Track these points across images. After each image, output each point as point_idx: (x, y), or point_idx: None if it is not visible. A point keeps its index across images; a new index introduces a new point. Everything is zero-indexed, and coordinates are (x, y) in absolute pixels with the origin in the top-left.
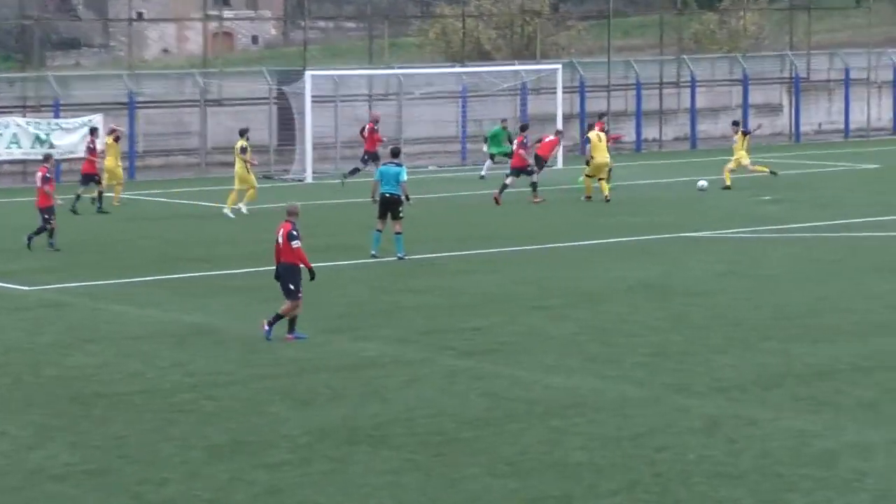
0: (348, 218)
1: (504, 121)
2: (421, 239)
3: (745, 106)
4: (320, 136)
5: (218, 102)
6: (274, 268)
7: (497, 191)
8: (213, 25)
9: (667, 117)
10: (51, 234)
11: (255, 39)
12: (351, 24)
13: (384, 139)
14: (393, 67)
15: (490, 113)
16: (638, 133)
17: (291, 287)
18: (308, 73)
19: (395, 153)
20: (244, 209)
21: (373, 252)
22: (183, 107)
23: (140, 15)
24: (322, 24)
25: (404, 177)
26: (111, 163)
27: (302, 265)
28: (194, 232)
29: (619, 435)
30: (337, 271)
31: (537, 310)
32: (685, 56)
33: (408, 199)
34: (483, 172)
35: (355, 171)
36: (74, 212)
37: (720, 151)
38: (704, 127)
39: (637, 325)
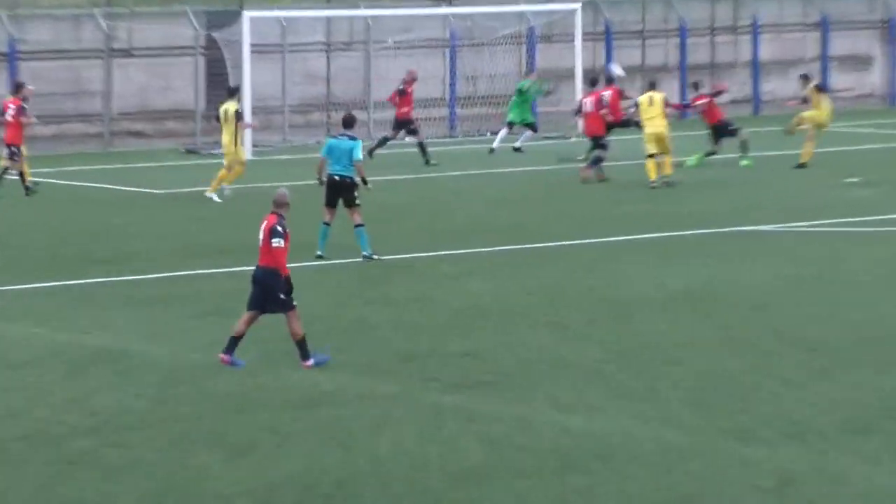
0: (301, 206)
1: (531, 73)
2: (396, 234)
3: (823, 58)
4: (263, 97)
5: (127, 53)
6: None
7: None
8: None
9: (720, 73)
10: None
11: None
12: None
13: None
14: (358, 6)
15: (487, 68)
16: (682, 93)
17: (282, 296)
18: (246, 14)
19: (349, 122)
20: (227, 191)
21: (318, 252)
22: (81, 58)
23: None
24: None
25: (358, 154)
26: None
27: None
28: (97, 224)
29: (660, 496)
30: None
31: (549, 328)
32: None
33: (365, 182)
34: (519, 143)
35: (384, 141)
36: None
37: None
38: (771, 86)
39: (680, 348)
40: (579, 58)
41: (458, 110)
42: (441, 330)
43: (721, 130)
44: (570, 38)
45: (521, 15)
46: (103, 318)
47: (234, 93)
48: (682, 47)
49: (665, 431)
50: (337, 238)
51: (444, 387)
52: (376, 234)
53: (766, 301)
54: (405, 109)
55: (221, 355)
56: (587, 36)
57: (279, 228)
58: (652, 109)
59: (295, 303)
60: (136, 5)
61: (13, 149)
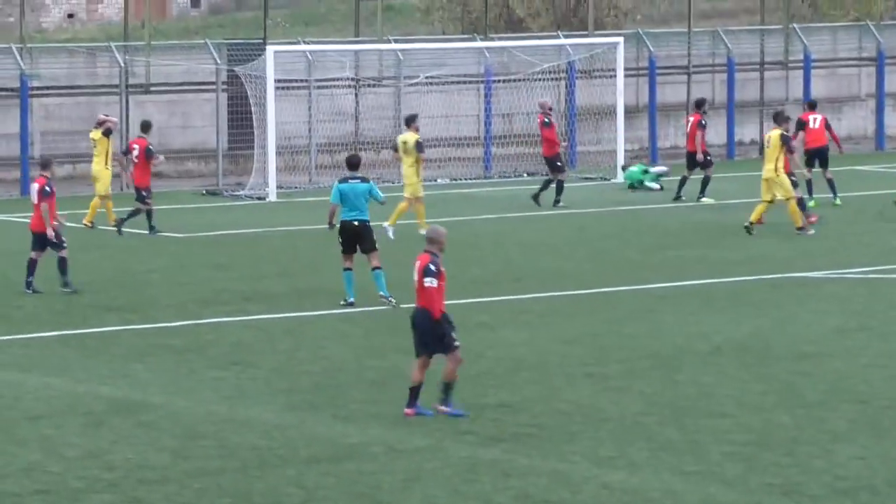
0: (327, 251)
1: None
2: None
3: (880, 95)
4: (288, 135)
5: (145, 89)
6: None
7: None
8: None
9: (770, 110)
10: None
11: (195, 1)
12: None
13: (561, 142)
14: (389, 40)
15: (524, 105)
16: (730, 132)
17: (444, 339)
18: (270, 48)
19: (356, 164)
20: (390, 232)
21: (349, 300)
22: (96, 94)
23: None
24: None
25: (379, 194)
26: (99, 166)
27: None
28: (115, 270)
29: None
30: (311, 324)
31: (588, 379)
32: (796, 25)
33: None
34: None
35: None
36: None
37: (847, 158)
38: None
39: (726, 400)
40: (621, 95)
41: (494, 150)
42: (475, 380)
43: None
44: (611, 74)
45: (560, 49)
46: (122, 368)
47: (410, 121)
48: (730, 83)
49: (709, 487)
50: (365, 286)
51: (479, 440)
52: (405, 280)
53: (816, 351)
54: (550, 145)
55: (406, 410)
56: (630, 71)
57: (432, 268)
58: (768, 151)
59: (458, 344)
60: (154, 39)
61: (143, 192)
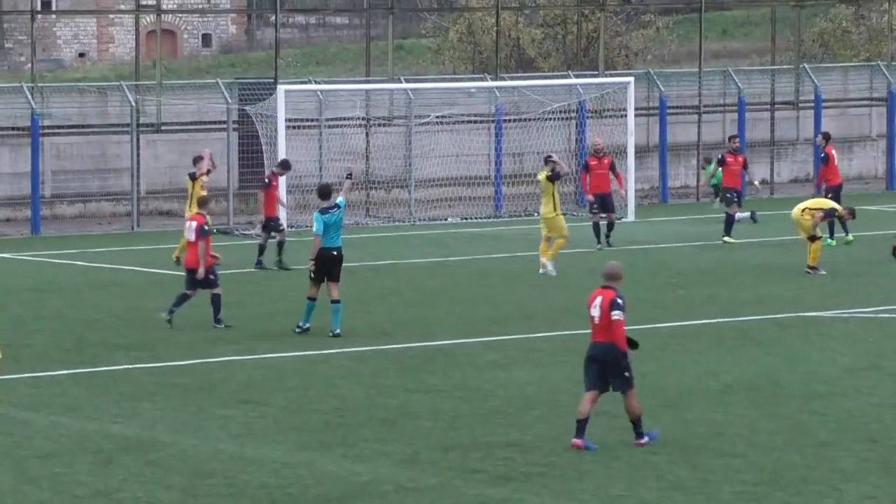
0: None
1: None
2: (438, 319)
3: (890, 135)
4: (299, 174)
5: (156, 128)
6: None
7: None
8: (147, 20)
9: (781, 150)
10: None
11: (206, 40)
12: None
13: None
14: (399, 80)
15: (535, 144)
16: (742, 173)
17: (626, 375)
18: (281, 88)
19: (327, 193)
20: (549, 266)
21: (304, 326)
22: (107, 133)
23: (47, 6)
24: (301, 19)
25: (342, 202)
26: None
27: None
28: (124, 309)
29: None
30: (321, 363)
31: (597, 418)
32: (806, 65)
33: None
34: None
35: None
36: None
37: (857, 197)
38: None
39: (736, 439)
40: (632, 134)
41: (504, 189)
42: (485, 420)
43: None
44: (622, 114)
45: (570, 88)
46: (132, 406)
47: (547, 160)
48: (741, 123)
49: None
50: (374, 325)
51: (489, 478)
52: (416, 318)
53: (826, 391)
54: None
55: (574, 440)
56: (640, 111)
57: (619, 301)
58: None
59: (634, 381)
60: (165, 78)
61: (272, 222)
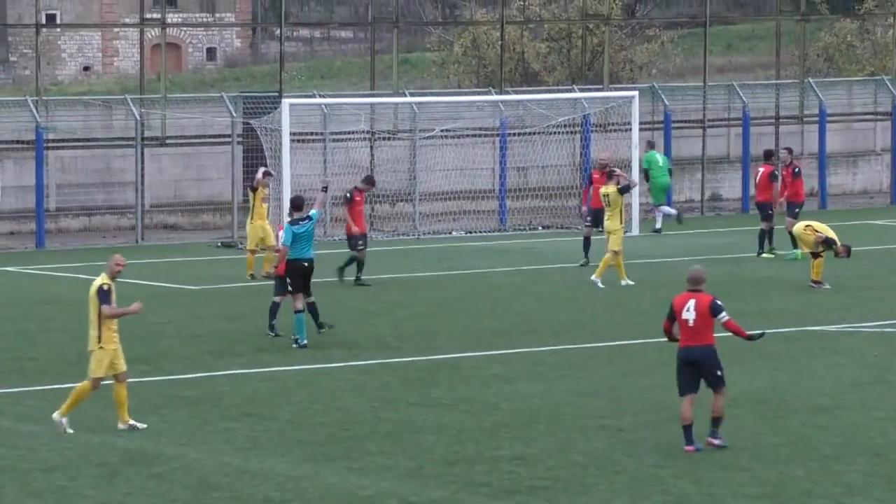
0: (341, 303)
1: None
2: (442, 332)
3: (895, 149)
4: (303, 188)
5: (160, 141)
6: (680, 355)
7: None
8: (152, 34)
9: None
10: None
11: (211, 54)
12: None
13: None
14: (404, 93)
15: (539, 158)
16: (745, 187)
17: (719, 374)
18: (286, 101)
19: (299, 205)
20: (599, 283)
21: (302, 342)
22: (111, 147)
23: (52, 19)
24: (306, 32)
25: (318, 214)
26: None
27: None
28: (129, 322)
29: None
30: (326, 376)
31: (603, 431)
32: (811, 79)
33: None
34: (658, 224)
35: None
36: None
37: (861, 212)
38: (839, 179)
39: (741, 453)
40: (636, 148)
41: (509, 203)
42: (489, 433)
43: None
44: (627, 128)
45: (575, 102)
46: (136, 419)
47: (610, 175)
48: (745, 137)
49: None
50: (378, 338)
51: (494, 492)
52: (420, 332)
53: (831, 404)
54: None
55: (686, 448)
56: (645, 125)
57: (719, 302)
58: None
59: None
60: (169, 91)
61: (351, 240)
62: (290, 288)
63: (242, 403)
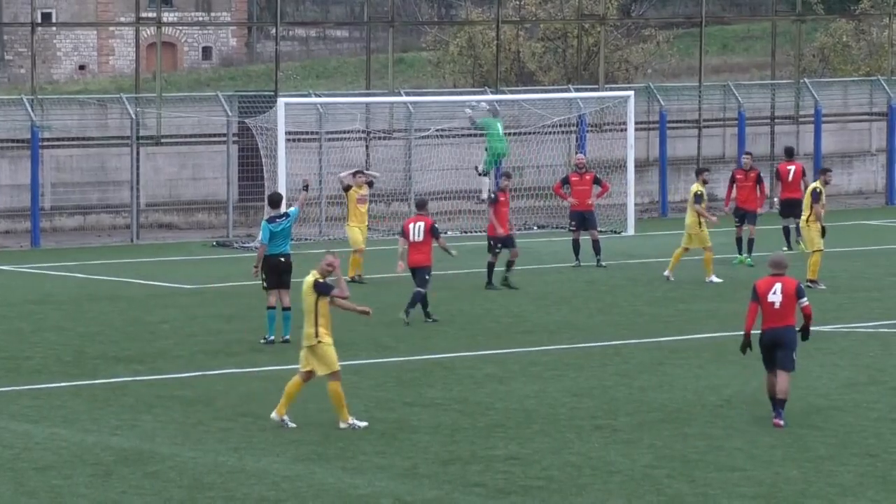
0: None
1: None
2: (437, 333)
3: (891, 149)
4: (298, 187)
5: (155, 140)
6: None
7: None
8: (148, 33)
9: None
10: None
11: (207, 53)
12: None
13: (568, 198)
14: (400, 93)
15: (534, 158)
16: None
17: (794, 356)
18: (281, 100)
19: (276, 202)
20: (715, 279)
21: (269, 338)
22: (107, 146)
23: (47, 17)
24: (301, 32)
25: (296, 211)
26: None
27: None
28: (124, 321)
29: None
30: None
31: (597, 432)
32: (806, 80)
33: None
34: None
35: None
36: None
37: (857, 212)
38: (834, 179)
39: (735, 453)
40: (632, 148)
41: None
42: (484, 433)
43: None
44: (622, 127)
45: (570, 102)
46: (131, 418)
47: (700, 172)
48: (741, 137)
49: None
50: (373, 338)
51: (488, 492)
52: (415, 332)
53: (826, 405)
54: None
55: (776, 421)
56: (640, 125)
57: (803, 287)
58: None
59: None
60: (165, 90)
61: (492, 240)
62: (264, 285)
63: (237, 403)
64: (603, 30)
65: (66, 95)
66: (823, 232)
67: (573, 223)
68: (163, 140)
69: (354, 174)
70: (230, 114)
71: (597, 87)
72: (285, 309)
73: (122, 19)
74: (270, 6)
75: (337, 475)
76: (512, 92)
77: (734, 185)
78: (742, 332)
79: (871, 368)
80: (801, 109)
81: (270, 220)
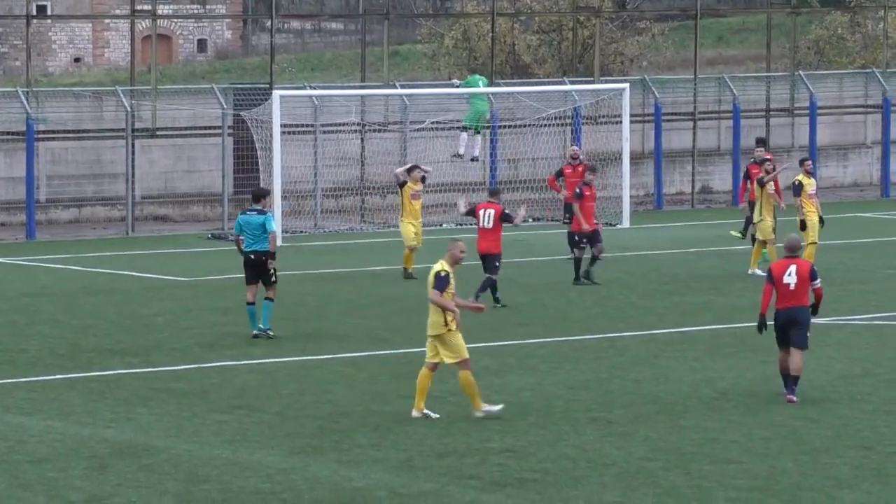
0: (332, 295)
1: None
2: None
3: (885, 142)
4: (294, 180)
5: (151, 133)
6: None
7: None
8: (143, 25)
9: (776, 157)
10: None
11: (202, 45)
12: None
13: (562, 190)
14: (395, 85)
15: (529, 150)
16: (735, 179)
17: (809, 334)
18: (276, 93)
19: (257, 197)
20: (758, 271)
21: (254, 332)
22: (102, 138)
23: (42, 10)
24: (296, 24)
25: (272, 226)
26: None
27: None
28: (119, 314)
29: None
30: (316, 368)
31: (592, 424)
32: (801, 72)
33: (273, 257)
34: (466, 153)
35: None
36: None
37: (852, 204)
38: (829, 171)
39: (731, 446)
40: (627, 141)
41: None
42: (479, 426)
43: None
44: (617, 120)
45: (566, 95)
46: (126, 411)
47: (761, 162)
48: (736, 130)
49: None
50: (369, 330)
51: (483, 484)
52: (411, 324)
53: (821, 397)
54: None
55: (789, 397)
56: (636, 117)
57: (816, 269)
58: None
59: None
60: (160, 83)
61: (575, 236)
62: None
63: (232, 396)
64: (598, 22)
65: (62, 88)
66: (803, 225)
67: (567, 215)
68: (158, 133)
69: (410, 169)
70: (225, 106)
71: (592, 79)
72: (267, 299)
73: (118, 12)
74: None
75: (332, 468)
76: (507, 84)
77: (748, 180)
78: (747, 324)
79: (866, 361)
80: (796, 102)
81: (243, 213)
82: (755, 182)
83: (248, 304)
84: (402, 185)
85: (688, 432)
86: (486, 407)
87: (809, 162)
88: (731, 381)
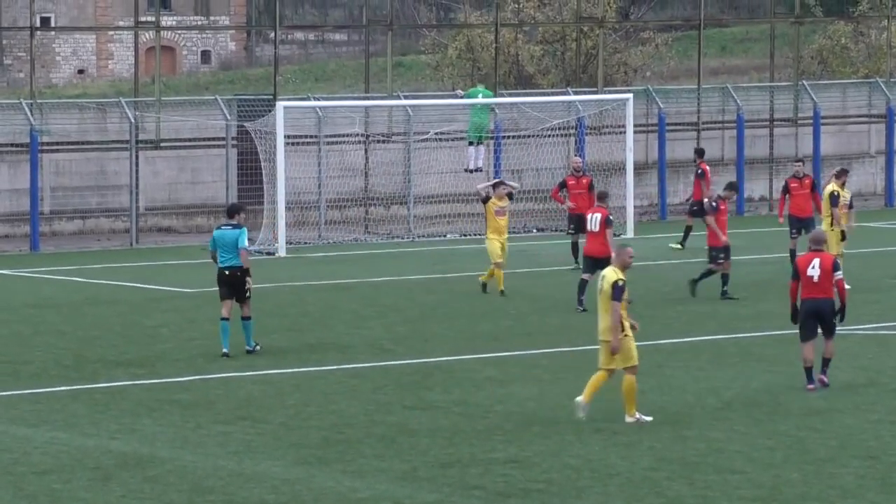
0: (336, 306)
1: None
2: (436, 336)
3: (889, 152)
4: (297, 191)
5: (155, 144)
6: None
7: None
8: (147, 37)
9: (779, 167)
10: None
11: (205, 56)
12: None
13: (566, 201)
14: (399, 96)
15: (533, 161)
16: (739, 189)
17: (836, 322)
18: (280, 104)
19: (231, 212)
20: None
21: (224, 350)
22: (106, 150)
23: (46, 22)
24: (300, 35)
25: (244, 242)
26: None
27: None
28: (124, 325)
29: None
30: (320, 379)
31: (597, 434)
32: (805, 82)
33: (248, 274)
34: (472, 165)
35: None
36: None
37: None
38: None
39: (736, 456)
40: (631, 151)
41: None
42: (483, 436)
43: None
44: (621, 130)
45: (569, 105)
46: (130, 422)
47: (840, 175)
48: (740, 139)
49: None
50: (373, 341)
51: (488, 494)
52: (415, 335)
53: (826, 407)
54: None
55: (809, 386)
56: (639, 128)
57: (839, 262)
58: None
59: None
60: (164, 94)
61: (715, 253)
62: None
63: (236, 407)
64: (601, 32)
65: (65, 99)
66: (843, 235)
67: (571, 226)
68: (162, 144)
69: (495, 185)
70: (229, 117)
71: (595, 89)
72: (244, 318)
73: (121, 23)
74: (269, 10)
75: (336, 478)
76: (511, 95)
77: (787, 195)
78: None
79: (870, 370)
80: (799, 112)
81: (218, 227)
82: (828, 198)
83: (223, 318)
84: (485, 200)
85: (692, 442)
86: (639, 416)
87: (846, 175)
88: (735, 391)
